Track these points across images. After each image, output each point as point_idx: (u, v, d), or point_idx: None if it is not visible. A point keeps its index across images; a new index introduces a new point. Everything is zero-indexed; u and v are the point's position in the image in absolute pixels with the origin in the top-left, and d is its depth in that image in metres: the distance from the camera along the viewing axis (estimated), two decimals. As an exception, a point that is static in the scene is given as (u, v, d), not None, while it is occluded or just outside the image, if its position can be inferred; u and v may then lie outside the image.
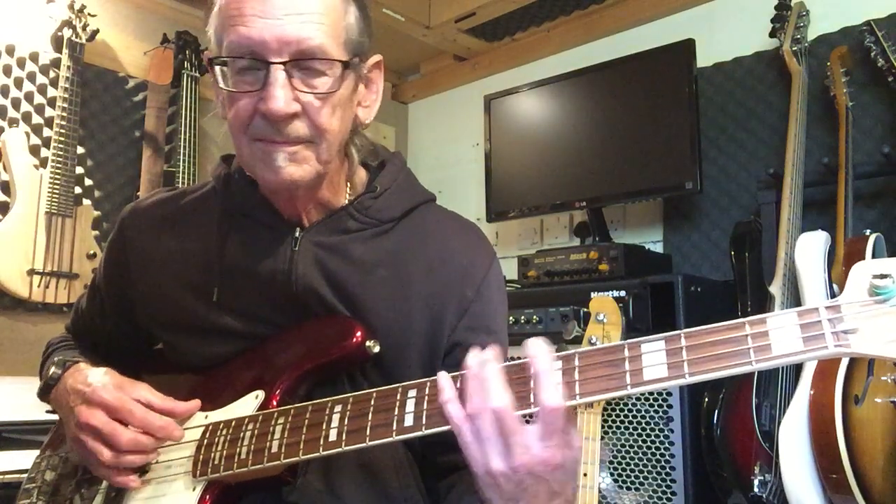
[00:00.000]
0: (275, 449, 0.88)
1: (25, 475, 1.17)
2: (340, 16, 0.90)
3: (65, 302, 2.24)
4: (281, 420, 0.89)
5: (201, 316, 1.01)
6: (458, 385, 0.78)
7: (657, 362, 0.70)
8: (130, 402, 0.96)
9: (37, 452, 1.19)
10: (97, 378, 1.00)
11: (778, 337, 0.66)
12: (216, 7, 0.91)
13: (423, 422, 0.79)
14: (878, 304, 0.63)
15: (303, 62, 0.87)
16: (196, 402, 1.00)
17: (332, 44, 0.88)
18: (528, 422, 0.74)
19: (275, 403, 0.94)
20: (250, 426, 0.92)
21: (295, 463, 0.89)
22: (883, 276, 0.63)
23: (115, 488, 1.01)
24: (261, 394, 0.96)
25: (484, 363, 0.76)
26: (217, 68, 0.90)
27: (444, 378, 0.77)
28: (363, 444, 0.82)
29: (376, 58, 0.99)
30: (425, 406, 0.80)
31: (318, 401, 0.89)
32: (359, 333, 0.93)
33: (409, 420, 0.80)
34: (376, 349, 0.94)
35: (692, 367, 0.68)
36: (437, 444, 0.98)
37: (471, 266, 1.02)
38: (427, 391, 0.80)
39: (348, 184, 1.03)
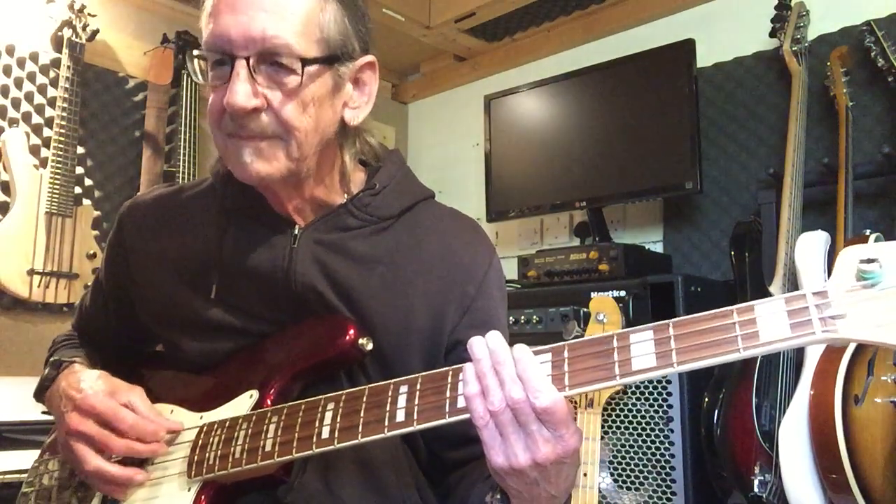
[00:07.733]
0: (268, 448, 0.87)
1: (24, 477, 1.17)
2: (314, 13, 0.89)
3: (65, 302, 2.24)
4: (274, 419, 0.89)
5: (199, 313, 1.01)
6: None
7: (646, 352, 0.69)
8: (121, 409, 0.96)
9: (37, 453, 1.19)
10: (89, 383, 0.99)
11: (765, 324, 0.65)
12: (203, 3, 0.92)
13: (415, 417, 0.78)
14: (866, 289, 0.62)
15: (268, 58, 0.87)
16: (179, 424, 0.99)
17: (302, 41, 0.87)
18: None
19: (269, 403, 0.94)
20: (244, 426, 0.92)
21: (289, 462, 0.89)
22: (870, 261, 0.62)
23: None
24: (255, 393, 0.96)
25: (500, 353, 0.75)
26: (196, 62, 0.91)
27: (469, 371, 0.75)
28: (355, 441, 0.81)
29: (367, 58, 0.96)
30: (417, 401, 0.79)
31: (311, 399, 0.88)
32: (351, 331, 0.93)
33: (400, 416, 0.79)
34: (370, 347, 0.93)
35: (680, 356, 0.67)
36: (444, 441, 0.99)
37: (471, 263, 1.02)
38: (419, 386, 0.80)
39: (345, 182, 1.02)
